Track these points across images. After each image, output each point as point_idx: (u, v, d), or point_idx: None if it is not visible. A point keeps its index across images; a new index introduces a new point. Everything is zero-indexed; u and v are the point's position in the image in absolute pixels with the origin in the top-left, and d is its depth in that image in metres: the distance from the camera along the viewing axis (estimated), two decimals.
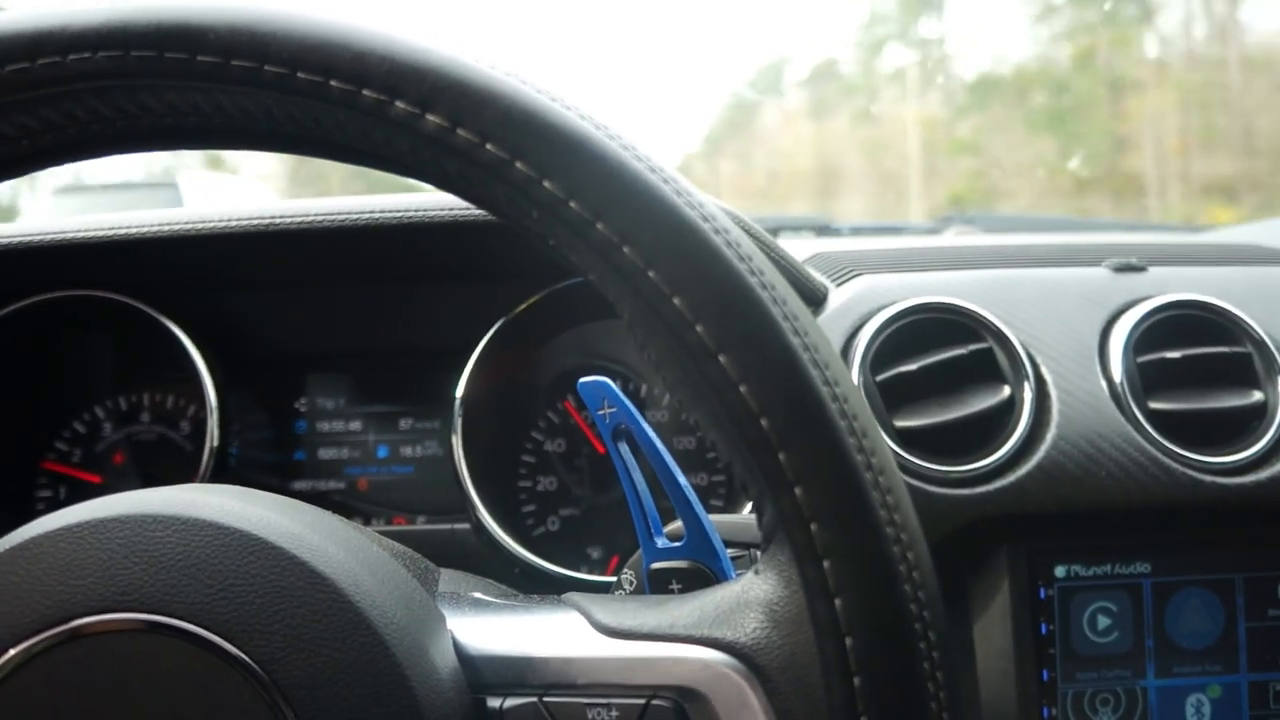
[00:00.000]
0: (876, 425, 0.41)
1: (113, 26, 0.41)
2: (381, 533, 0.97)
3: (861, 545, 0.38)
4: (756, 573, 0.43)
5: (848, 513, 0.38)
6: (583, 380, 0.55)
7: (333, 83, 0.41)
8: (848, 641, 0.38)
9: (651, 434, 0.53)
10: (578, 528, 0.99)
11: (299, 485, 1.02)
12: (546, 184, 0.41)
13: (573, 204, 0.41)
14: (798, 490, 0.39)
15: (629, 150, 0.42)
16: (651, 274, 0.40)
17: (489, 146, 0.41)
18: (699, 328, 0.40)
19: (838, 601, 0.38)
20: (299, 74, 0.41)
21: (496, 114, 0.41)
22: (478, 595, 0.55)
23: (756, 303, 0.40)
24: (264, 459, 1.01)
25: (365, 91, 0.41)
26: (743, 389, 0.40)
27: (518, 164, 0.41)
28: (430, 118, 0.41)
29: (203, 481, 0.92)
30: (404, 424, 1.02)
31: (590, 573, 0.94)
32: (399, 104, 0.41)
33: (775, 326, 0.40)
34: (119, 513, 0.44)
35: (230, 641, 0.41)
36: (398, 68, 0.41)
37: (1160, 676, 0.83)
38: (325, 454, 1.02)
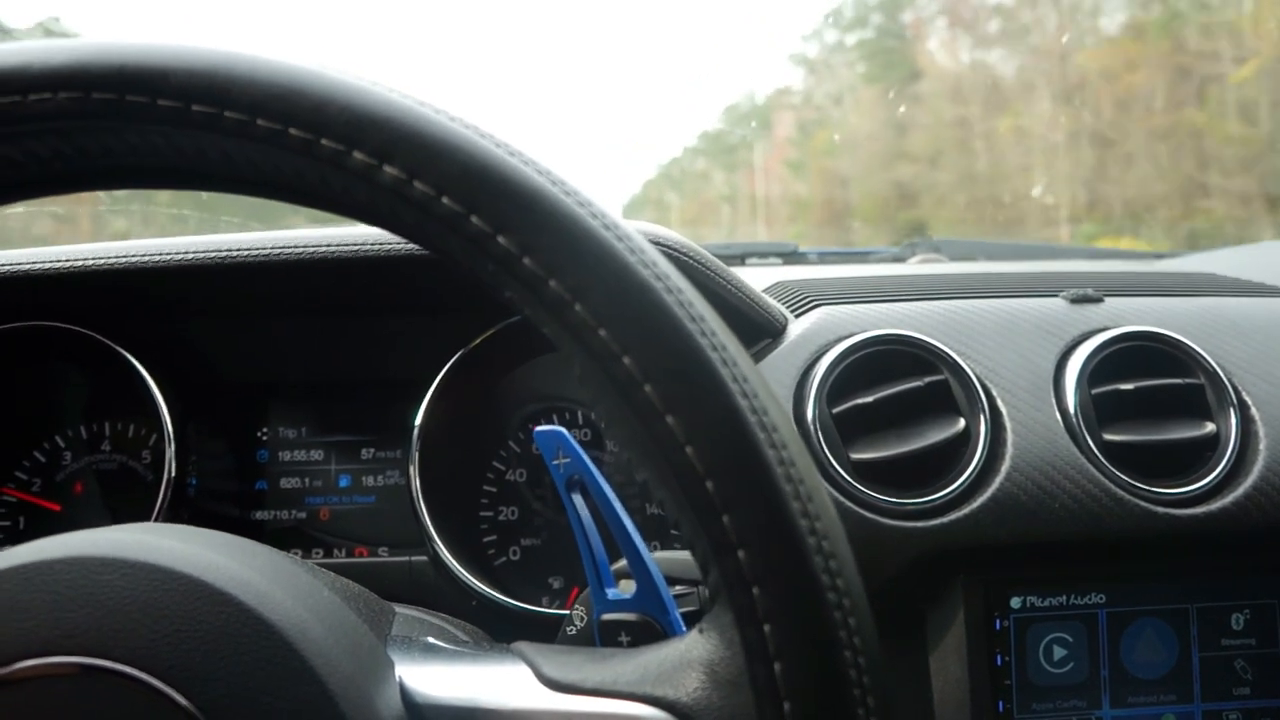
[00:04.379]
0: (823, 488, 0.41)
1: (74, 68, 0.41)
2: (341, 565, 0.99)
3: (802, 610, 0.38)
4: (700, 631, 0.44)
5: (789, 577, 0.39)
6: (539, 429, 0.55)
7: (291, 131, 0.41)
8: (785, 706, 0.38)
9: (605, 486, 0.53)
10: (539, 557, 0.99)
11: (260, 515, 1.01)
12: (501, 239, 0.41)
13: (526, 260, 0.41)
14: (741, 553, 0.39)
15: (585, 206, 0.42)
16: (602, 333, 0.40)
17: (445, 200, 0.41)
18: (647, 388, 0.40)
19: (777, 666, 0.38)
20: (258, 121, 0.41)
21: (454, 167, 0.41)
22: (429, 640, 0.55)
23: (705, 364, 0.40)
24: (225, 489, 1.01)
25: (324, 141, 0.41)
26: (689, 450, 0.40)
27: (473, 218, 0.41)
28: (388, 169, 0.41)
29: (161, 512, 0.92)
30: (366, 454, 1.02)
31: (551, 604, 0.95)
32: (357, 154, 0.41)
33: (723, 388, 0.40)
34: (65, 554, 0.43)
35: (173, 687, 0.40)
36: (356, 118, 0.41)
37: (1116, 706, 0.84)
38: (287, 483, 1.02)
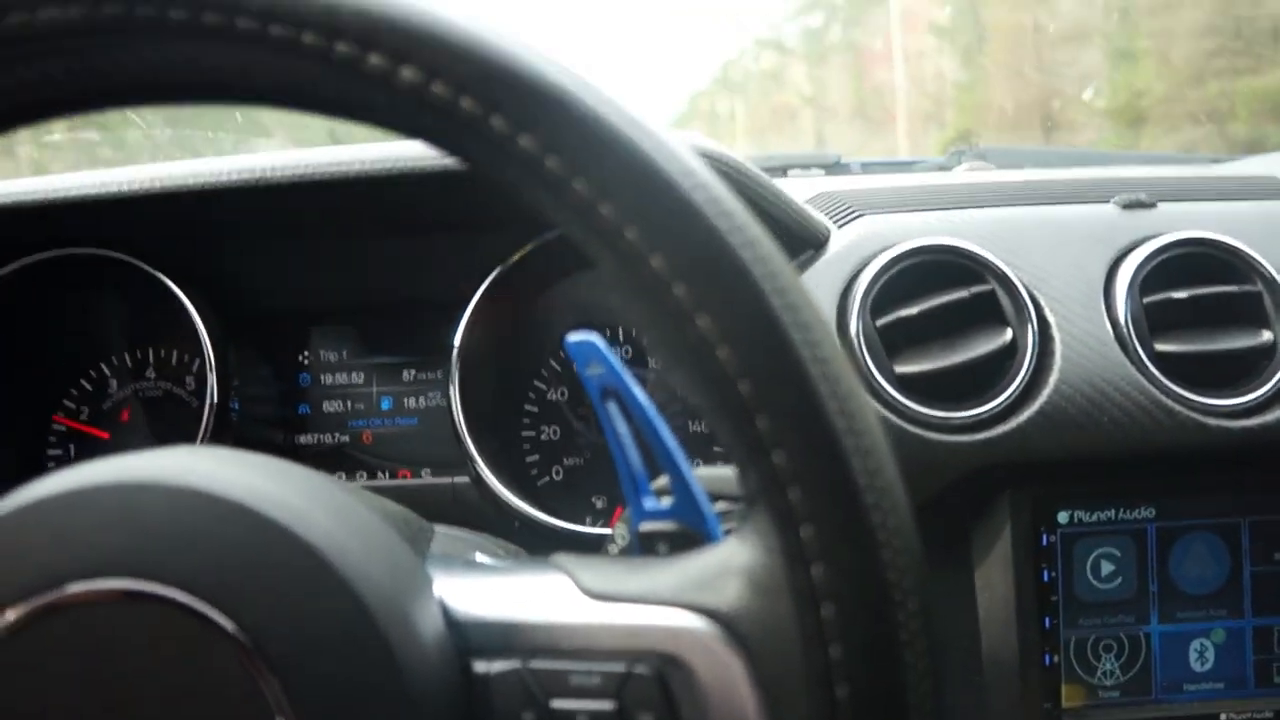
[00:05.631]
0: (860, 388, 0.40)
1: None
2: (384, 487, 0.99)
3: (839, 510, 0.38)
4: (739, 538, 0.43)
5: (824, 477, 0.38)
6: (570, 338, 0.54)
7: (305, 38, 0.40)
8: (823, 609, 0.37)
9: (640, 394, 0.52)
10: (583, 477, 0.99)
11: (303, 439, 1.02)
12: (522, 140, 0.40)
13: (549, 161, 0.40)
14: (775, 455, 0.38)
15: (607, 104, 0.40)
16: (628, 233, 0.39)
17: (464, 102, 0.40)
18: (677, 289, 0.39)
19: (814, 569, 0.38)
20: (270, 28, 0.40)
21: (473, 67, 0.39)
22: (468, 557, 0.55)
23: (735, 261, 0.39)
24: (268, 414, 1.01)
25: (339, 46, 0.40)
26: (720, 352, 0.39)
27: (493, 119, 0.40)
28: (405, 72, 0.39)
29: (205, 437, 0.92)
30: (407, 375, 1.02)
31: (594, 523, 0.95)
32: (373, 58, 0.40)
33: (754, 287, 0.39)
34: (106, 480, 0.43)
35: (215, 609, 0.40)
36: (371, 21, 0.40)
37: (1164, 622, 0.83)
38: (329, 407, 1.02)
